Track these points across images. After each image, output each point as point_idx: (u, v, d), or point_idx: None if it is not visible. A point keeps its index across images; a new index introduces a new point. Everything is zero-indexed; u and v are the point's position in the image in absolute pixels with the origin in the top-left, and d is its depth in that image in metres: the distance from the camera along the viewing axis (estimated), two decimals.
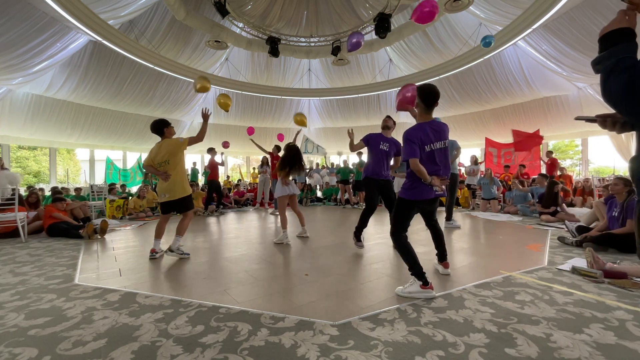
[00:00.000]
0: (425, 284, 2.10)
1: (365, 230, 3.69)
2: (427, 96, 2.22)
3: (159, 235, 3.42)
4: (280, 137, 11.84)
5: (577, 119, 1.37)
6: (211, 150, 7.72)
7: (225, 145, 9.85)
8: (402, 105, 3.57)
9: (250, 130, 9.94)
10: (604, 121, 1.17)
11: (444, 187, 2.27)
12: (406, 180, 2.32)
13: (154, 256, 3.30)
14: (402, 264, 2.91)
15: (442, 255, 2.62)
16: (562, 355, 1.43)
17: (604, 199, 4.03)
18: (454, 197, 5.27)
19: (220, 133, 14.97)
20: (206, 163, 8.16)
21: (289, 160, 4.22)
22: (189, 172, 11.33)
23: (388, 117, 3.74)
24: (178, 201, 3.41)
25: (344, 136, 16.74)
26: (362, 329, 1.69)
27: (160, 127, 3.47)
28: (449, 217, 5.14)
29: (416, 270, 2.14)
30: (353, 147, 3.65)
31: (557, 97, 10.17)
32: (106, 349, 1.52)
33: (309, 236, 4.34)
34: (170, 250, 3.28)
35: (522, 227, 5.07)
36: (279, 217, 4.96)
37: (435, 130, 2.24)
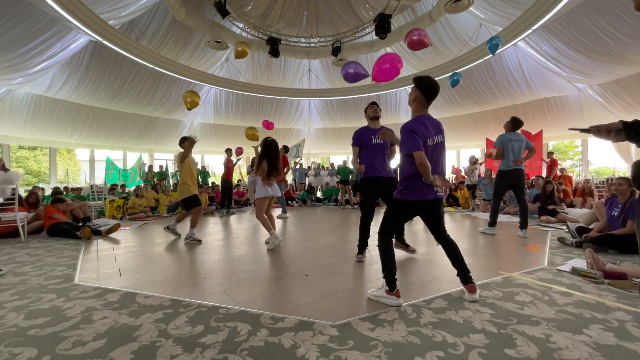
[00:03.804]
0: (390, 290, 2.01)
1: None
2: (428, 89, 2.07)
3: (193, 225, 4.33)
4: (269, 126, 11.17)
5: (571, 129, 1.38)
6: (228, 151, 7.75)
7: (239, 151, 9.68)
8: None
9: (269, 125, 10.00)
10: (598, 131, 1.18)
11: (445, 188, 2.08)
12: (401, 180, 2.14)
13: (186, 239, 4.18)
14: (402, 264, 2.92)
15: (463, 276, 2.13)
16: (561, 356, 1.43)
17: (605, 200, 4.03)
18: (523, 198, 4.25)
19: (220, 133, 14.99)
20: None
21: (269, 157, 3.88)
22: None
23: (375, 104, 3.29)
24: (183, 200, 4.34)
25: (344, 137, 16.81)
26: (361, 330, 1.69)
27: (180, 142, 4.43)
28: (523, 225, 4.22)
29: (387, 275, 2.05)
30: (355, 160, 3.23)
31: (557, 98, 10.18)
32: (106, 349, 1.52)
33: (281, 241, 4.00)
34: (185, 238, 4.18)
35: None
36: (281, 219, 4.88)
37: (433, 124, 2.10)
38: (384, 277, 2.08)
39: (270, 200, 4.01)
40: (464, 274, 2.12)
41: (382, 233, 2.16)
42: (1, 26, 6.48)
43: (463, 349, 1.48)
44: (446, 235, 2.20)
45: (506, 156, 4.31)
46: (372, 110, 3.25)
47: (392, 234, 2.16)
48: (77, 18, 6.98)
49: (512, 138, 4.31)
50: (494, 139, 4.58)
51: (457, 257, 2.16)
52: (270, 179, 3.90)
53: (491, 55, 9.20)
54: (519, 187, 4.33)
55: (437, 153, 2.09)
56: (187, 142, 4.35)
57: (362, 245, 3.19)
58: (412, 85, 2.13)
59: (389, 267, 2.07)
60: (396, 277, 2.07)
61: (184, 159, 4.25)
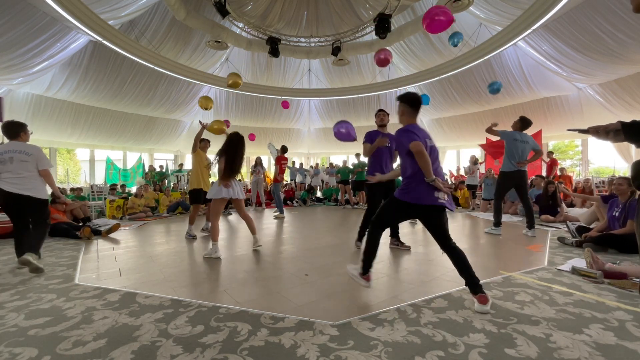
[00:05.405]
0: (362, 273, 2.18)
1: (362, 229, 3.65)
2: (413, 100, 2.18)
3: (191, 222, 4.52)
4: (285, 104, 11.80)
5: (570, 130, 1.39)
6: None
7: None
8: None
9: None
10: (596, 132, 1.18)
11: (446, 197, 2.00)
12: (403, 180, 2.13)
13: (188, 237, 4.44)
14: (402, 264, 2.93)
15: (472, 285, 1.94)
16: (561, 355, 1.43)
17: (601, 196, 4.02)
18: (527, 198, 4.33)
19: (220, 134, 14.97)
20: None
21: (229, 153, 3.42)
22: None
23: (383, 111, 3.49)
24: (188, 192, 4.73)
25: None
26: (362, 329, 1.69)
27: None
28: (530, 225, 4.24)
29: (365, 262, 2.19)
30: (367, 152, 3.45)
31: (557, 98, 10.18)
32: (106, 349, 1.52)
33: (261, 246, 3.66)
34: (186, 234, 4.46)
35: (522, 227, 5.04)
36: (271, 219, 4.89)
37: (424, 133, 2.14)
38: (361, 260, 2.21)
39: (237, 202, 3.60)
40: (473, 283, 1.94)
41: (375, 224, 2.22)
42: (1, 26, 6.47)
43: (463, 349, 1.49)
44: (451, 244, 2.03)
45: (509, 156, 4.26)
46: (379, 119, 3.52)
47: (383, 228, 2.21)
48: (77, 18, 6.98)
49: (518, 138, 4.23)
50: (494, 139, 4.57)
51: (464, 266, 1.98)
52: (228, 179, 3.43)
53: (487, 48, 9.23)
54: (521, 189, 4.32)
55: (432, 156, 2.07)
56: (202, 144, 4.94)
57: (362, 232, 3.53)
58: (398, 103, 2.23)
59: (368, 258, 2.19)
60: (372, 266, 2.19)
61: (192, 147, 4.70)
